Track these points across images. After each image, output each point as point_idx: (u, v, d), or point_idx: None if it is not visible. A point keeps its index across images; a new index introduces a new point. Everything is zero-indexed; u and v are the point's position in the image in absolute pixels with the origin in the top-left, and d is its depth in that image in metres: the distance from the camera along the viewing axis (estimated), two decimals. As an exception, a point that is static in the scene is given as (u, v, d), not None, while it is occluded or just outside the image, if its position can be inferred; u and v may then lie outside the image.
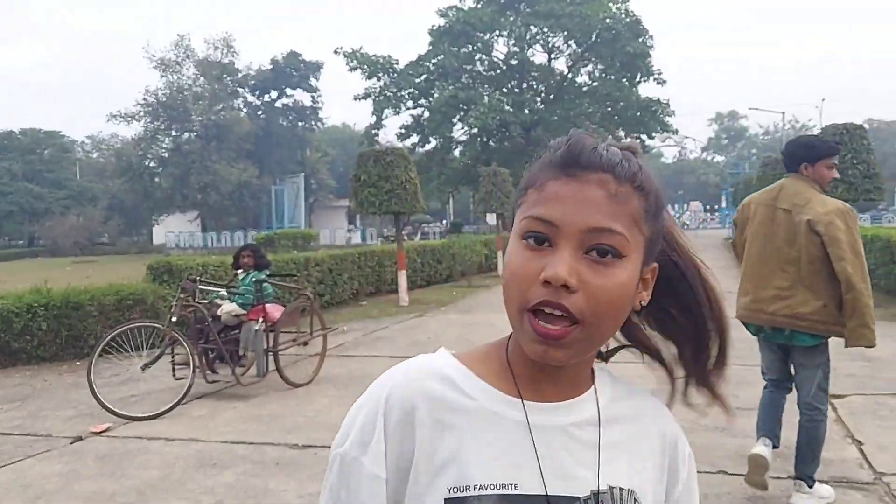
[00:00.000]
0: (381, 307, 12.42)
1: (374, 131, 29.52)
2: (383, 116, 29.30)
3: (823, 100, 65.95)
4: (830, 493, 3.67)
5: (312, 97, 56.09)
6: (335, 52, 28.37)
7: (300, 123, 56.67)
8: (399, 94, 29.20)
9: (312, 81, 55.55)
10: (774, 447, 3.77)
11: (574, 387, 0.80)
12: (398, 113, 29.95)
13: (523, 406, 0.77)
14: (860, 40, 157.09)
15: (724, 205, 47.45)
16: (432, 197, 33.39)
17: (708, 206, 61.81)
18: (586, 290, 0.70)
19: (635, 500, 0.79)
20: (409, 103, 30.00)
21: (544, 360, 0.72)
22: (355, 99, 29.27)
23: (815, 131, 69.69)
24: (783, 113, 46.63)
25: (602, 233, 0.70)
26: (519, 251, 0.73)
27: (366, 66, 28.21)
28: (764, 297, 3.55)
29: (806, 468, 3.57)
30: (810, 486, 3.52)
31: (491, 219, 23.40)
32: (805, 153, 3.54)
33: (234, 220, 51.80)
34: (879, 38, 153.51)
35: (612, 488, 0.78)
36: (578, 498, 0.76)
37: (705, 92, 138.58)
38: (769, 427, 3.81)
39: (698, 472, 3.47)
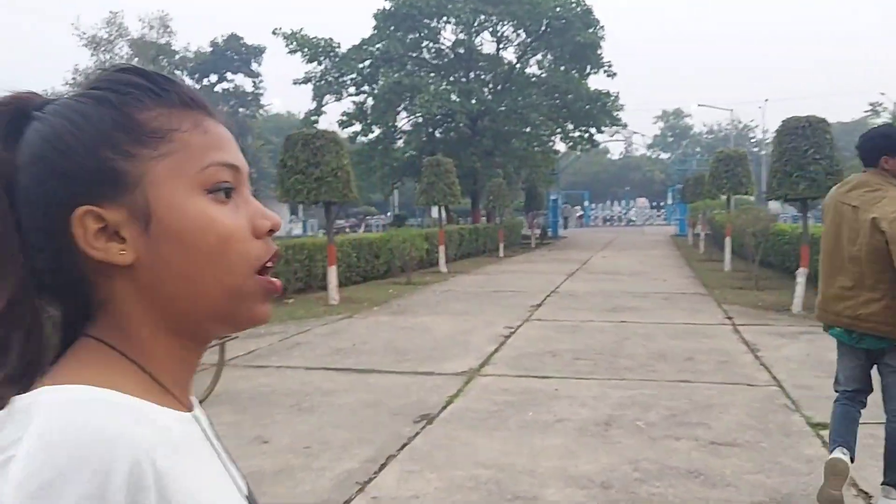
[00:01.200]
0: (309, 306, 11.24)
1: (313, 118, 27.98)
2: (324, 102, 27.86)
3: (767, 100, 66.90)
4: None
5: (254, 82, 54.08)
6: (273, 32, 26.77)
7: (241, 110, 54.68)
8: (341, 80, 27.75)
9: (254, 66, 53.63)
10: (852, 460, 3.45)
11: None
12: (340, 99, 28.54)
13: (195, 418, 0.64)
14: (798, 43, 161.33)
15: (669, 201, 47.49)
16: (375, 188, 32.17)
17: (654, 203, 62.05)
18: None
19: None
20: (352, 90, 28.58)
21: (265, 321, 0.65)
22: (295, 83, 27.72)
23: (758, 132, 70.75)
24: (731, 110, 46.89)
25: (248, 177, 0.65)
26: (217, 208, 0.60)
27: (306, 49, 26.66)
28: (830, 296, 3.46)
29: (893, 475, 3.42)
30: None
31: (435, 211, 22.37)
32: (886, 144, 3.36)
33: (170, 209, 49.76)
34: (816, 41, 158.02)
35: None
36: (250, 491, 0.68)
37: (651, 89, 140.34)
38: (845, 438, 3.50)
39: None
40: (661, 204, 57.84)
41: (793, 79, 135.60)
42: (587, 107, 27.83)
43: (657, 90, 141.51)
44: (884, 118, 31.61)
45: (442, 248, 17.80)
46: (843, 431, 3.52)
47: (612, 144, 75.04)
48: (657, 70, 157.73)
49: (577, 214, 53.86)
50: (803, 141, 10.11)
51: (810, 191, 10.04)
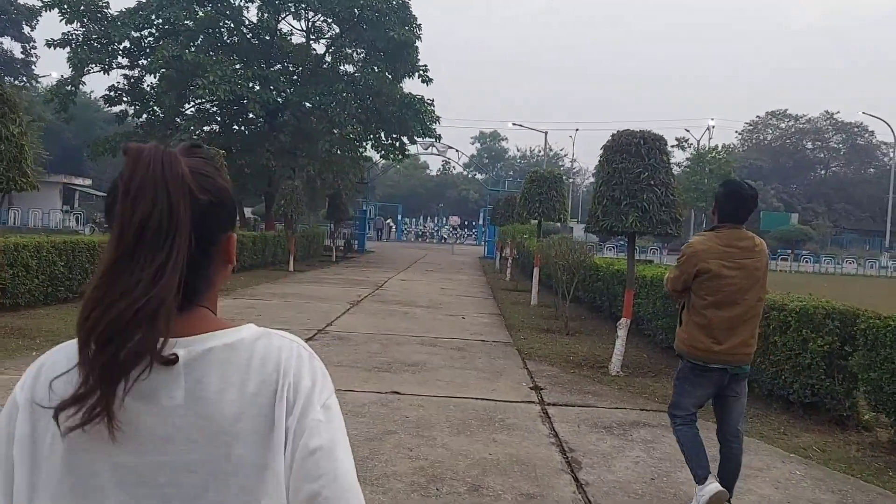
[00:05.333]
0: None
1: (69, 87, 22.90)
2: (85, 71, 22.90)
3: (577, 130, 69.49)
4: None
5: (24, 48, 46.35)
6: (23, -21, 21.62)
7: (8, 79, 46.50)
8: (110, 48, 23.05)
9: (26, 30, 45.90)
10: None
11: None
12: (107, 71, 23.74)
13: None
14: (611, 78, 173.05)
15: (481, 221, 46.63)
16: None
17: (466, 222, 61.51)
18: None
19: None
20: (124, 61, 23.99)
21: None
22: (49, 45, 22.57)
23: (567, 160, 73.07)
24: (546, 133, 47.10)
25: None
26: None
27: (65, 6, 21.78)
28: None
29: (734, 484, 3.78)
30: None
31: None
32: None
33: None
34: (627, 77, 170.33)
35: None
36: None
37: (469, 110, 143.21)
38: (708, 466, 3.70)
39: None
40: (473, 223, 57.29)
41: (603, 111, 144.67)
42: (399, 112, 25.30)
43: (475, 111, 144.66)
44: (689, 154, 32.47)
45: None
46: (704, 457, 3.68)
47: (432, 160, 74.10)
48: (476, 91, 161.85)
49: (391, 228, 51.76)
50: (637, 162, 8.01)
51: (641, 224, 7.97)
